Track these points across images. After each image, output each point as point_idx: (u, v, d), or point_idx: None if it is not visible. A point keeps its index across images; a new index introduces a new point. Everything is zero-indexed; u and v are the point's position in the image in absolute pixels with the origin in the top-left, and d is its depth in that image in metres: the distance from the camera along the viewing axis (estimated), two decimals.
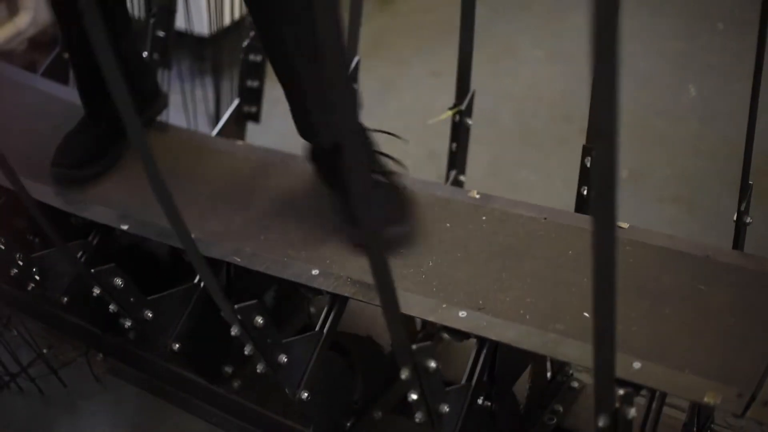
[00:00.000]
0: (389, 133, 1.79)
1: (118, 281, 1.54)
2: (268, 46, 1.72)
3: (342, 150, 1.49)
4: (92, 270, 1.52)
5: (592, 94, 1.59)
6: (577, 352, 1.35)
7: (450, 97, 1.86)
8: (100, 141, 1.95)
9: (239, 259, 1.66)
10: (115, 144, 1.95)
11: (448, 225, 1.64)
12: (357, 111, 1.71)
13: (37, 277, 1.79)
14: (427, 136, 2.75)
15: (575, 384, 1.79)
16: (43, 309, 2.08)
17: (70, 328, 2.08)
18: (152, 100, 2.10)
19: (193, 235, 1.69)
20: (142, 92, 2.06)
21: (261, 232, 1.72)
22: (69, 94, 2.19)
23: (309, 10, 1.65)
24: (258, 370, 1.51)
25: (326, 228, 1.69)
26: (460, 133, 1.83)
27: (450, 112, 1.82)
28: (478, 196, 1.69)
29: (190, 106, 2.64)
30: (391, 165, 1.83)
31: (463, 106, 1.81)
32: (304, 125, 1.73)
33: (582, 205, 1.67)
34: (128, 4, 2.03)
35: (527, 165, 2.73)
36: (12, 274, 1.78)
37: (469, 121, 1.82)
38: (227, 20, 2.85)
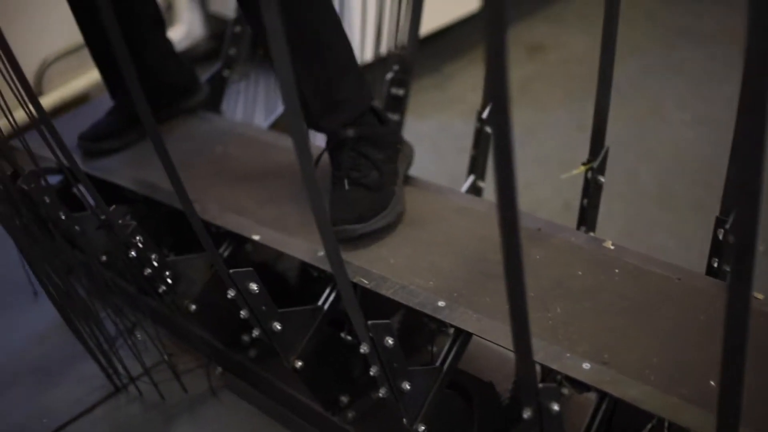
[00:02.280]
0: None
1: (254, 287, 1.56)
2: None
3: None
4: (231, 270, 1.54)
5: (732, 163, 1.56)
6: (698, 420, 1.30)
7: None
8: (122, 121, 2.25)
9: (367, 282, 1.67)
10: (135, 125, 2.23)
11: (579, 273, 1.62)
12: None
13: (169, 281, 1.83)
14: (564, 188, 2.73)
15: None
16: (169, 317, 2.13)
17: (194, 339, 2.11)
18: (187, 93, 2.38)
19: (321, 253, 1.74)
20: (174, 85, 2.35)
21: (390, 254, 1.74)
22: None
23: (305, 10, 1.72)
24: (380, 395, 1.51)
25: (456, 259, 1.70)
26: (591, 189, 1.81)
27: (583, 168, 1.80)
28: (612, 248, 1.67)
29: None
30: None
31: (595, 164, 1.78)
32: (306, 119, 1.85)
33: (712, 276, 1.63)
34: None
35: (663, 228, 2.68)
36: (146, 273, 1.82)
37: (602, 179, 1.79)
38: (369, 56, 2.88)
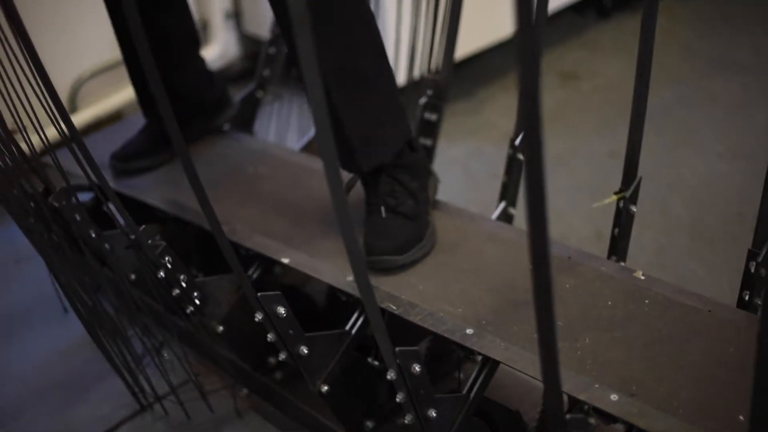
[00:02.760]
0: None
1: (281, 310, 1.55)
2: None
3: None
4: (258, 294, 1.53)
5: (765, 194, 1.55)
6: None
7: None
8: (153, 141, 2.27)
9: (395, 307, 1.66)
10: (166, 145, 2.25)
11: (609, 303, 1.61)
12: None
13: (197, 302, 1.83)
14: (596, 216, 2.72)
15: None
16: (197, 338, 2.12)
17: (220, 359, 2.11)
18: (218, 110, 2.39)
19: (351, 278, 1.73)
20: (205, 102, 2.35)
21: (419, 281, 1.73)
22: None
23: (347, 37, 1.70)
24: (406, 421, 1.50)
25: (485, 287, 1.69)
26: (623, 219, 1.79)
27: (615, 197, 1.78)
28: (643, 278, 1.66)
29: None
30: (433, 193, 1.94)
31: (628, 193, 1.77)
32: (342, 154, 1.81)
33: (743, 308, 1.61)
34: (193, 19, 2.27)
35: (695, 259, 2.66)
36: (174, 294, 1.82)
37: (633, 209, 1.78)
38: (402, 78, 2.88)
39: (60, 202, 1.80)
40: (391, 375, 1.42)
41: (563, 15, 4.06)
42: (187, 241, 2.15)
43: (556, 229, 2.77)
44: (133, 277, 1.96)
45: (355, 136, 1.78)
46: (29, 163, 1.79)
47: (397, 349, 1.39)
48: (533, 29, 0.69)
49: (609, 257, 1.81)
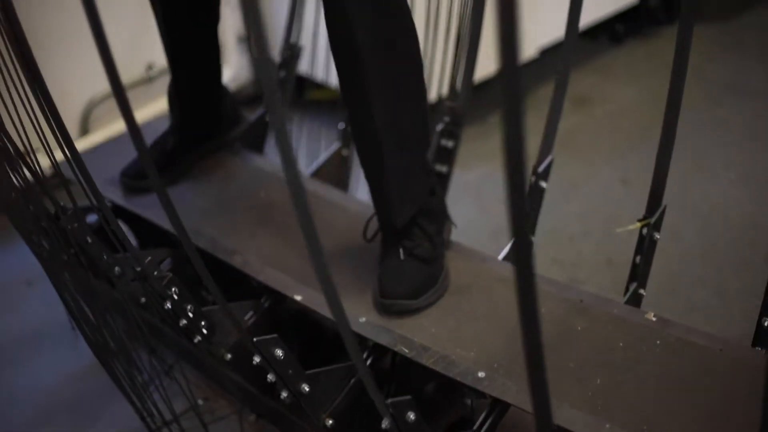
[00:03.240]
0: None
1: (279, 352, 1.56)
2: (355, 127, 1.81)
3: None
4: (254, 339, 1.53)
5: None
6: None
7: (636, 207, 1.82)
8: (161, 160, 2.26)
9: (408, 350, 1.66)
10: (180, 159, 2.29)
11: (620, 344, 1.61)
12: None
13: (205, 331, 1.83)
14: (607, 243, 2.71)
15: None
16: (205, 361, 2.12)
17: (229, 384, 2.10)
18: (234, 124, 2.43)
19: (363, 319, 1.73)
20: (227, 116, 2.40)
21: (432, 324, 1.73)
22: None
23: (405, 100, 1.70)
24: None
25: (497, 330, 1.69)
26: (646, 246, 1.79)
27: (639, 224, 1.79)
28: (654, 319, 1.66)
29: None
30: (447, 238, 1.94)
31: (652, 220, 1.77)
32: (379, 207, 1.83)
33: (762, 336, 1.60)
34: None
35: (706, 287, 2.65)
36: (181, 324, 1.82)
37: (657, 236, 1.78)
38: None
39: (71, 225, 1.80)
40: (385, 424, 1.42)
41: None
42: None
43: (567, 255, 2.78)
44: (143, 300, 1.95)
45: (394, 193, 1.79)
46: (40, 184, 1.79)
47: (390, 400, 1.39)
48: (517, 68, 0.67)
49: (629, 283, 1.82)
